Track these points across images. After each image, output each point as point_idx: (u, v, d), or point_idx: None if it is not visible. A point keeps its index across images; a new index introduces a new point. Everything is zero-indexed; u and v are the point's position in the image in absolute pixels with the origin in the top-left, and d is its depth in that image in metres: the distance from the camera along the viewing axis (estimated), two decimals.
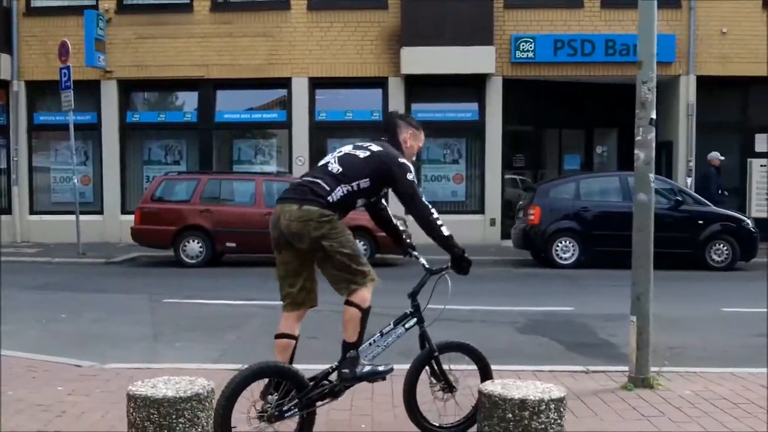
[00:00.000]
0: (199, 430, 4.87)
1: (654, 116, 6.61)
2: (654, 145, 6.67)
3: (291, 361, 5.17)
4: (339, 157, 5.22)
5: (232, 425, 4.78)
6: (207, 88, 20.86)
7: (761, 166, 20.77)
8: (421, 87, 20.59)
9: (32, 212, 21.24)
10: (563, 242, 16.44)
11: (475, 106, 20.74)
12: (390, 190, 5.25)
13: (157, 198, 17.04)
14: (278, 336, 5.21)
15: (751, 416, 5.96)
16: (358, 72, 20.29)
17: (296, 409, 4.99)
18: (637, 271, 6.65)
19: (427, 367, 5.47)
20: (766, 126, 21.08)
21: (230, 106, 21.05)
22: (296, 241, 5.05)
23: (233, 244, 16.44)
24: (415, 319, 5.40)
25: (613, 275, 13.94)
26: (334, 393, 5.14)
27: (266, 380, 4.97)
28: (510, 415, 4.81)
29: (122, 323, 10.24)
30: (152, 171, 20.86)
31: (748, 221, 16.77)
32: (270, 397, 4.94)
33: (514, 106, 20.65)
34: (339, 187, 5.06)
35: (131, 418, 4.84)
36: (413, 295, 5.40)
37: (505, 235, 19.56)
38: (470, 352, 5.64)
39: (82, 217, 18.59)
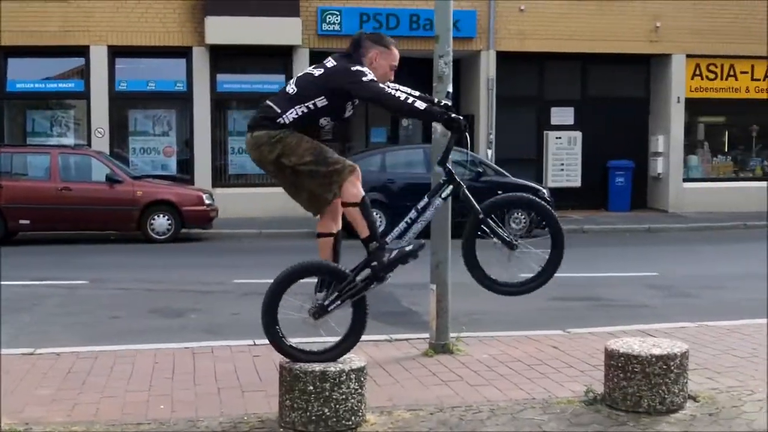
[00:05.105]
0: None
1: (450, 89, 6.74)
2: None
3: (336, 257, 5.32)
4: (297, 78, 5.23)
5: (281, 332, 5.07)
6: None
7: (557, 138, 21.71)
8: (226, 57, 20.27)
9: None
10: None
11: (282, 77, 20.54)
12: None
13: None
14: (317, 236, 5.39)
15: (543, 377, 6.22)
16: (160, 41, 19.70)
17: (338, 302, 5.13)
18: (436, 240, 6.79)
19: (480, 232, 5.32)
20: (560, 100, 22.07)
21: (23, 75, 19.91)
22: (263, 167, 5.23)
23: (27, 221, 15.66)
24: (451, 186, 5.25)
25: None
26: (378, 278, 5.13)
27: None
28: (311, 387, 4.83)
29: None
30: None
31: (544, 191, 17.48)
32: (318, 294, 5.16)
33: None
34: (292, 109, 5.04)
35: None
36: (442, 163, 5.28)
37: None
38: (528, 206, 5.58)
39: None
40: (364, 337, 7.51)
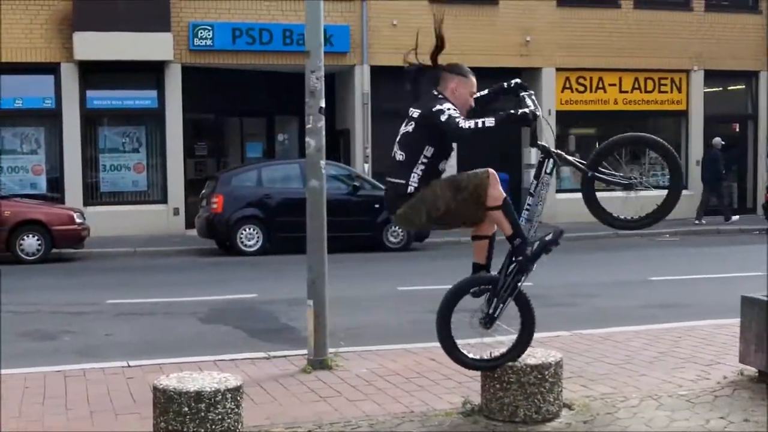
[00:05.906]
0: None
1: (323, 105, 6.76)
2: (324, 132, 6.80)
3: (489, 259, 5.53)
4: (398, 143, 5.34)
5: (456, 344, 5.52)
6: None
7: None
8: (96, 73, 19.75)
9: None
10: (247, 230, 16.47)
11: (154, 93, 20.23)
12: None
13: None
14: (472, 238, 5.56)
15: (422, 389, 6.26)
16: (26, 57, 19.08)
17: (501, 304, 5.39)
18: (312, 256, 6.77)
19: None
20: None
21: None
22: (423, 229, 5.61)
23: None
24: (551, 160, 5.38)
25: (297, 260, 14.04)
26: (525, 270, 5.40)
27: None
28: (186, 409, 4.73)
29: None
30: None
31: None
32: (482, 305, 5.48)
33: (195, 93, 20.36)
34: (412, 174, 5.22)
35: None
36: (534, 143, 5.42)
37: (189, 224, 19.28)
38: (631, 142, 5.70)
39: None
40: (240, 355, 7.51)
